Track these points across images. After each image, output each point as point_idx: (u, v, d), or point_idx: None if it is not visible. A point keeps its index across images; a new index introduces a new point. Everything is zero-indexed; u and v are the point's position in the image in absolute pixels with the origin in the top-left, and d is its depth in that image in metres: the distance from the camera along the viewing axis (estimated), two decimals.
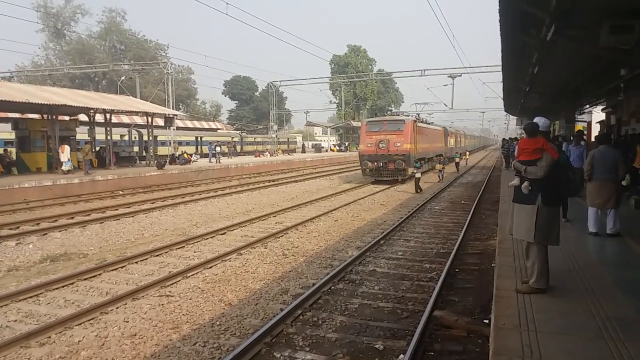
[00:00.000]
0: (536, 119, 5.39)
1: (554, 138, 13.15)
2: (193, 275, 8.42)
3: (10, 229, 12.41)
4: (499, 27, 8.86)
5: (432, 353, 5.28)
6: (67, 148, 22.39)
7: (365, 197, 19.29)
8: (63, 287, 7.75)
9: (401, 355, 5.10)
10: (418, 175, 21.37)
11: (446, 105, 48.36)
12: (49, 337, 5.77)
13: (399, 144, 23.91)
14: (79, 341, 5.69)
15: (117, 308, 6.78)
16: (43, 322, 6.17)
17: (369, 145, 24.55)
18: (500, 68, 15.58)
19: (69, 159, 22.36)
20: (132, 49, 65.20)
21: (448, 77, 39.70)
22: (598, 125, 25.05)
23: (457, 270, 8.54)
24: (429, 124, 34.37)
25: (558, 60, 10.60)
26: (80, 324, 6.18)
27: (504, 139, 39.94)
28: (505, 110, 39.92)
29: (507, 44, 10.47)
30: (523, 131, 5.48)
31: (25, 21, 79.14)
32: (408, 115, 28.59)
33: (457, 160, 35.22)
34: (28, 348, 5.48)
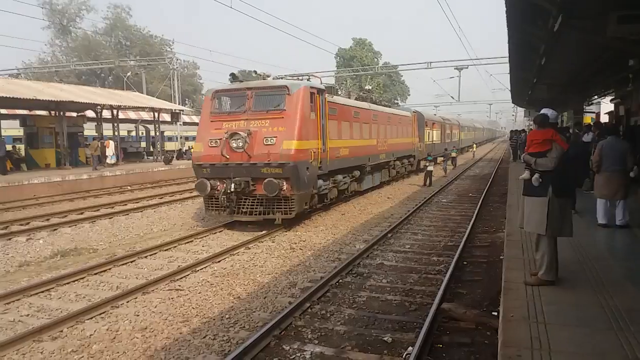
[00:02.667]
0: (544, 110, 5.37)
1: (564, 129, 13.04)
2: (202, 269, 8.48)
3: (21, 224, 12.54)
4: (505, 18, 8.79)
5: (441, 345, 5.30)
6: (111, 143, 24.92)
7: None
8: (74, 281, 7.83)
9: (410, 347, 5.12)
10: (430, 168, 20.94)
11: (453, 98, 48.03)
12: (61, 331, 5.84)
13: (272, 140, 11.13)
14: (90, 335, 5.76)
15: (127, 302, 6.84)
16: (55, 317, 6.25)
17: (212, 143, 11.58)
18: (507, 59, 15.46)
19: (113, 153, 24.55)
20: (138, 44, 65.26)
21: (454, 69, 39.41)
22: (607, 117, 24.81)
23: (465, 262, 8.54)
24: (385, 104, 21.41)
25: (566, 51, 10.49)
26: (91, 318, 6.25)
27: (511, 130, 39.28)
28: (512, 102, 39.61)
29: (513, 36, 10.38)
30: (532, 122, 5.45)
31: (31, 18, 79.46)
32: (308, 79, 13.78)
33: (453, 155, 30.04)
34: (40, 342, 5.56)
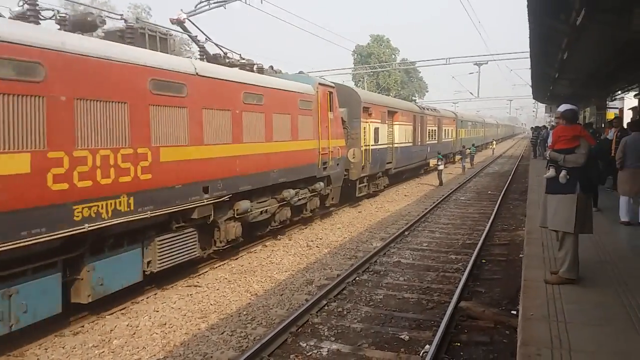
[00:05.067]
0: (568, 106, 5.24)
1: (588, 125, 12.81)
2: (220, 266, 8.55)
3: None
4: (526, 11, 8.64)
5: (459, 344, 5.26)
6: None
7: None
8: None
9: (427, 346, 5.09)
10: (441, 167, 20.44)
11: (472, 94, 47.41)
12: (82, 327, 5.96)
13: None
14: (111, 330, 5.87)
15: (147, 298, 6.95)
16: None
17: None
18: (528, 54, 15.20)
19: None
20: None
21: (474, 64, 38.70)
22: (630, 112, 24.24)
23: (483, 261, 8.45)
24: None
25: (588, 45, 10.25)
26: (112, 314, 6.37)
27: (532, 127, 38.13)
28: (533, 98, 38.91)
29: (535, 30, 10.18)
30: (560, 118, 5.24)
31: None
32: None
33: (467, 151, 27.03)
34: (62, 337, 5.68)
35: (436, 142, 25.61)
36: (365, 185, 15.44)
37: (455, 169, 27.01)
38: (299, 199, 10.81)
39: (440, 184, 19.95)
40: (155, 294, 7.10)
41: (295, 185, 10.61)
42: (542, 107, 52.68)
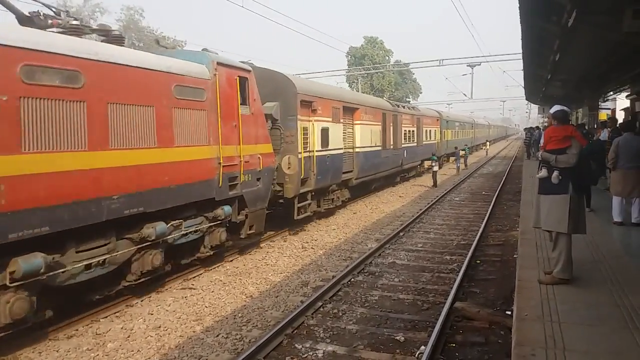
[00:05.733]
0: (559, 107, 5.28)
1: (580, 126, 12.91)
2: (215, 268, 8.53)
3: None
4: (518, 13, 8.70)
5: (454, 344, 5.27)
6: None
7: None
8: None
9: (422, 347, 5.11)
10: (436, 168, 20.43)
11: (465, 95, 47.61)
12: (76, 330, 5.93)
13: None
14: (105, 333, 5.83)
15: (141, 301, 6.92)
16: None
17: None
18: (520, 56, 15.29)
19: None
20: (151, 46, 65.90)
21: (467, 66, 38.86)
22: (622, 113, 24.45)
23: (478, 261, 8.48)
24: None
25: (580, 47, 10.34)
26: (106, 317, 6.33)
27: (525, 128, 38.33)
28: (526, 99, 39.15)
29: (527, 31, 10.26)
30: (552, 119, 5.25)
31: None
32: None
33: (462, 153, 26.63)
34: (56, 340, 5.64)
35: (415, 144, 22.14)
36: (309, 204, 11.78)
37: (448, 169, 27.11)
38: (183, 235, 7.31)
39: (435, 185, 19.99)
40: (149, 297, 7.07)
41: (175, 215, 7.14)
42: (535, 108, 52.98)
